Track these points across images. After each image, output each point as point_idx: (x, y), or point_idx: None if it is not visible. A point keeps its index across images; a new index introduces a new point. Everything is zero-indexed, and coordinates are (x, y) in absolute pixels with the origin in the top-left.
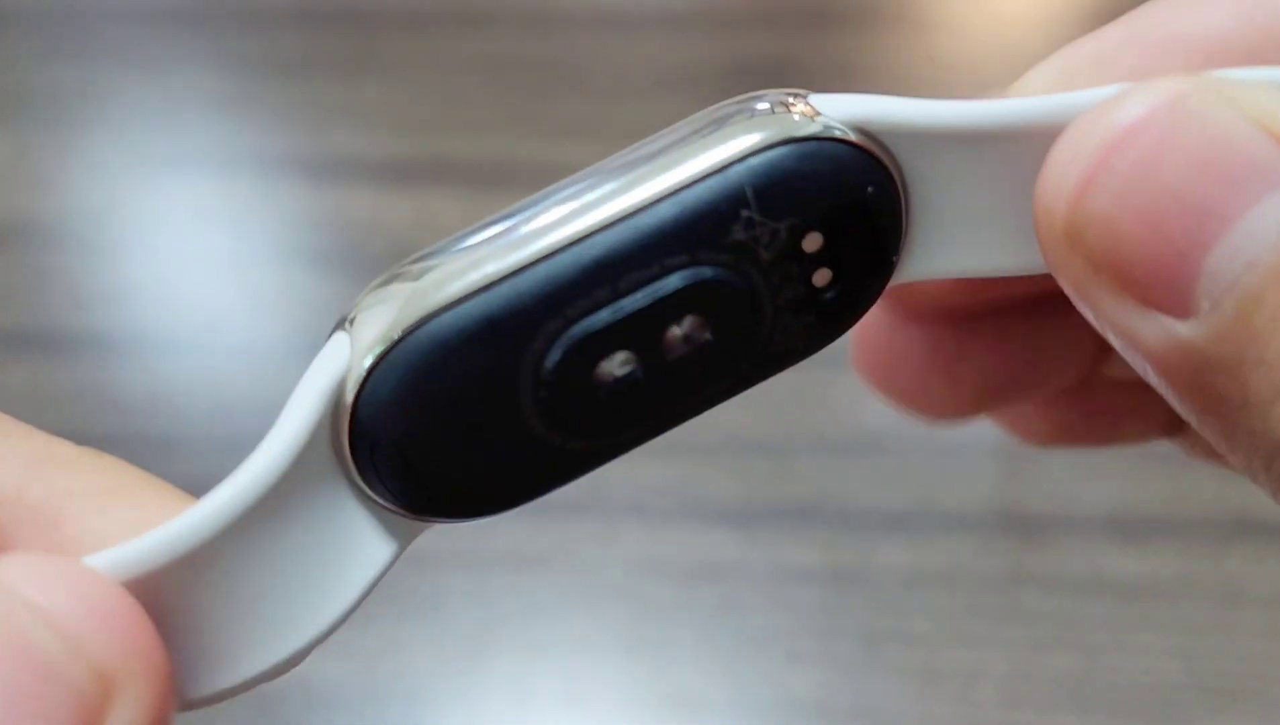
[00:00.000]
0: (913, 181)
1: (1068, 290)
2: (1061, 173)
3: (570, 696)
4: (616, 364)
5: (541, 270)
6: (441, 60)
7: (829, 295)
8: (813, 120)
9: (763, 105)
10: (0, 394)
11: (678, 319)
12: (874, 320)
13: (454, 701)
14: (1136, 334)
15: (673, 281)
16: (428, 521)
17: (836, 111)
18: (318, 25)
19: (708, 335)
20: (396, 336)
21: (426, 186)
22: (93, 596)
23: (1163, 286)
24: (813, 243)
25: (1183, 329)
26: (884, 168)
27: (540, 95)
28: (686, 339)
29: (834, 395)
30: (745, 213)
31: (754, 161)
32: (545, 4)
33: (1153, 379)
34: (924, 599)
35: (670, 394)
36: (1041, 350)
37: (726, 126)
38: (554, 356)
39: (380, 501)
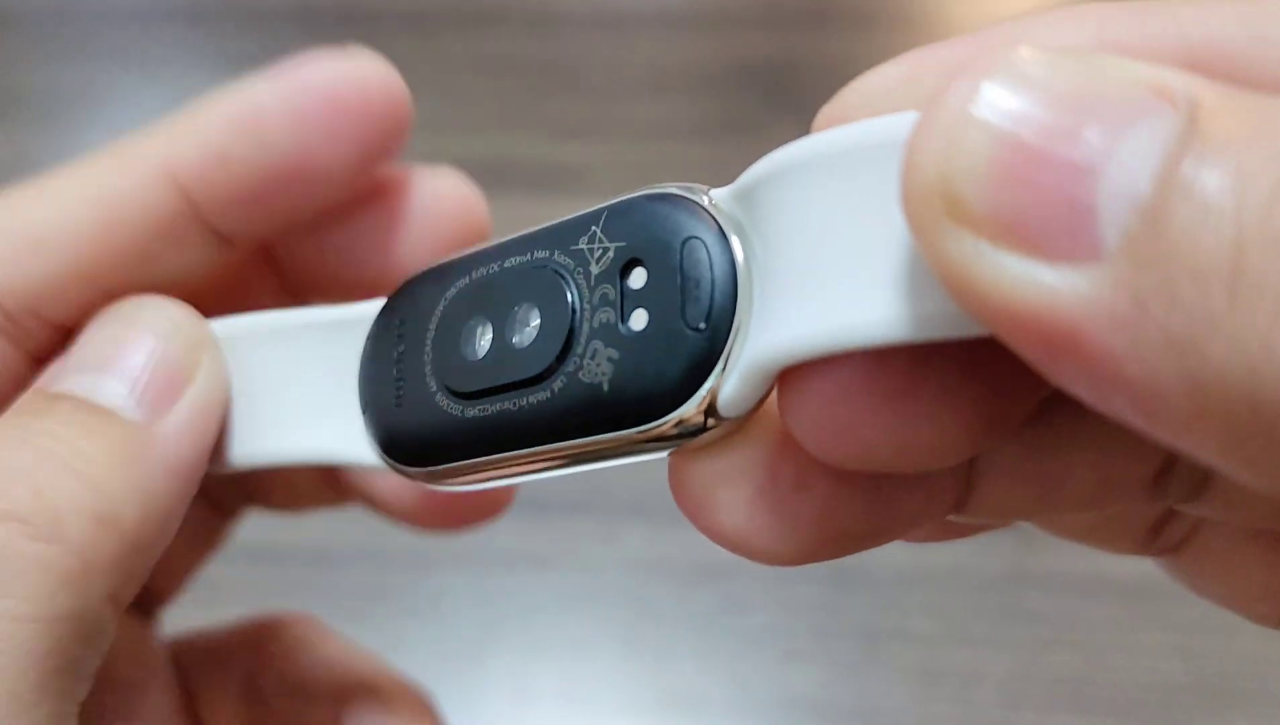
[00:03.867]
0: (764, 252)
1: (962, 287)
2: (929, 143)
3: (570, 696)
4: (479, 335)
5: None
6: (441, 60)
7: (639, 338)
8: (689, 189)
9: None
10: None
11: (522, 301)
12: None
13: (454, 701)
14: (1045, 300)
15: (525, 263)
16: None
17: (726, 190)
18: (318, 25)
19: (536, 321)
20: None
21: None
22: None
23: (1059, 229)
24: (637, 279)
25: (1094, 272)
26: (715, 222)
27: (540, 95)
28: (524, 321)
29: None
30: (594, 228)
31: (622, 199)
32: (545, 4)
33: (1077, 370)
34: (924, 599)
35: (519, 383)
36: (905, 490)
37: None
38: (438, 314)
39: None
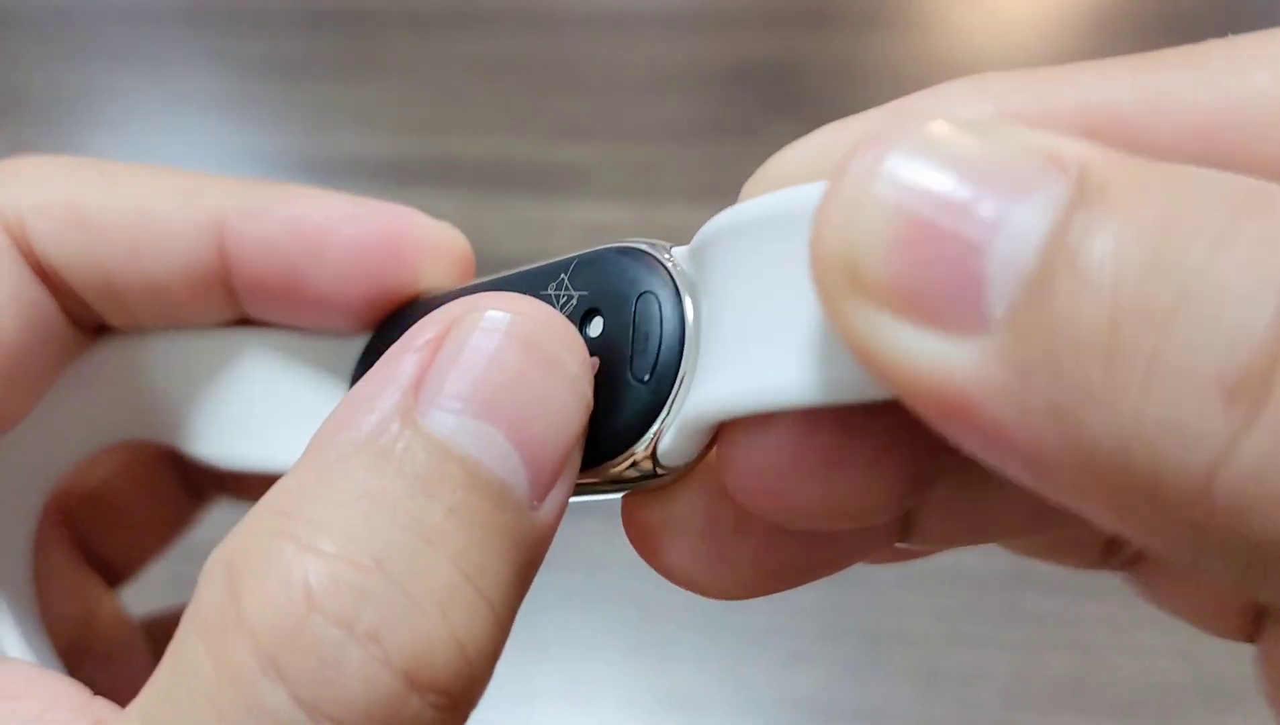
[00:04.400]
0: (709, 311)
1: (865, 356)
2: (830, 217)
3: (572, 696)
4: None
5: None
6: (441, 60)
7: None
8: (651, 246)
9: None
10: None
11: None
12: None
13: None
14: (940, 372)
15: None
16: None
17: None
18: (318, 25)
19: None
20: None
21: (426, 186)
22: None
23: (950, 301)
24: (595, 328)
25: (982, 343)
26: (671, 280)
27: (540, 95)
28: None
29: None
30: (563, 276)
31: (592, 250)
32: (545, 4)
33: (972, 437)
34: (925, 600)
35: None
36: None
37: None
38: None
39: None
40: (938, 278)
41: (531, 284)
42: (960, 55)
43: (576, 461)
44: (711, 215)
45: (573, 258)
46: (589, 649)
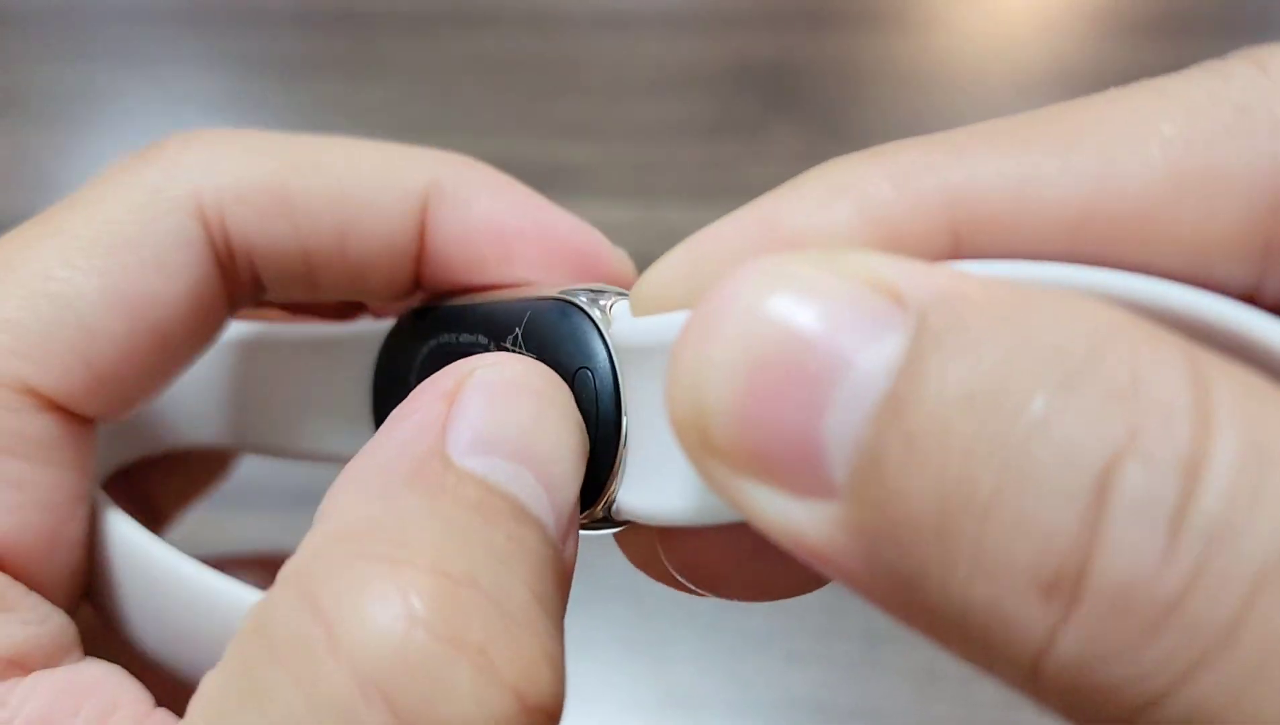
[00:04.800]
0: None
1: (733, 508)
2: (678, 381)
3: (572, 695)
4: None
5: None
6: (441, 60)
7: None
8: (595, 298)
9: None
10: None
11: None
12: None
13: None
14: (794, 531)
15: (472, 344)
16: None
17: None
18: (318, 25)
19: None
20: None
21: None
22: None
23: (795, 466)
24: None
25: (832, 509)
26: (606, 353)
27: (540, 95)
28: None
29: None
30: (517, 330)
31: (543, 302)
32: (545, 4)
33: (837, 579)
34: None
35: None
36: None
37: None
38: (422, 354)
39: None
40: (780, 445)
41: (497, 329)
42: (960, 55)
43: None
44: (711, 215)
45: (526, 308)
46: (587, 648)
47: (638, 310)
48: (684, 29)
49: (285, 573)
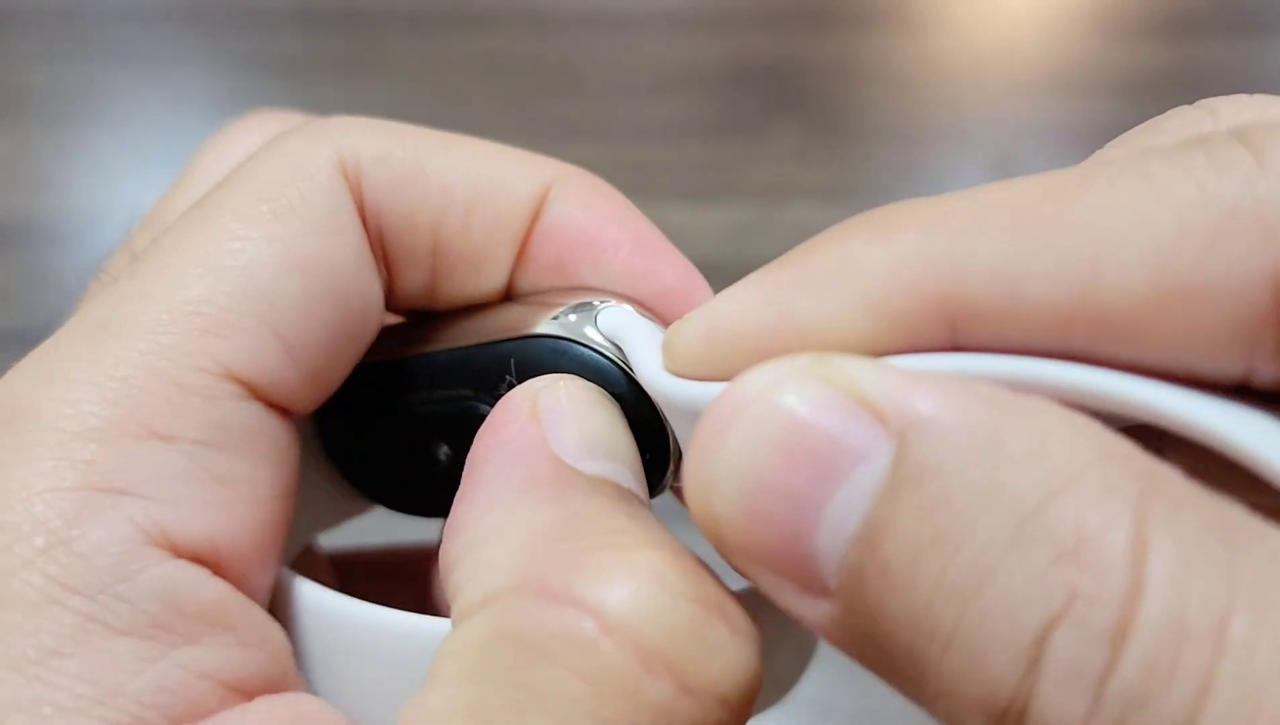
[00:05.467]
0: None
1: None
2: (691, 480)
3: None
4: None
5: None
6: (441, 60)
7: None
8: (574, 322)
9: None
10: None
11: (449, 437)
12: None
13: None
14: (807, 616)
15: (461, 405)
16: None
17: (608, 323)
18: (318, 25)
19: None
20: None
21: None
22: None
23: (795, 571)
24: None
25: (828, 607)
26: (627, 377)
27: (540, 95)
28: (448, 456)
29: None
30: (509, 377)
31: (528, 343)
32: (545, 4)
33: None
34: None
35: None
36: None
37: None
38: (395, 423)
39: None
40: (778, 555)
41: (481, 381)
42: (960, 55)
43: None
44: (711, 215)
45: (510, 352)
46: None
47: (669, 360)
48: (684, 29)
49: (480, 597)
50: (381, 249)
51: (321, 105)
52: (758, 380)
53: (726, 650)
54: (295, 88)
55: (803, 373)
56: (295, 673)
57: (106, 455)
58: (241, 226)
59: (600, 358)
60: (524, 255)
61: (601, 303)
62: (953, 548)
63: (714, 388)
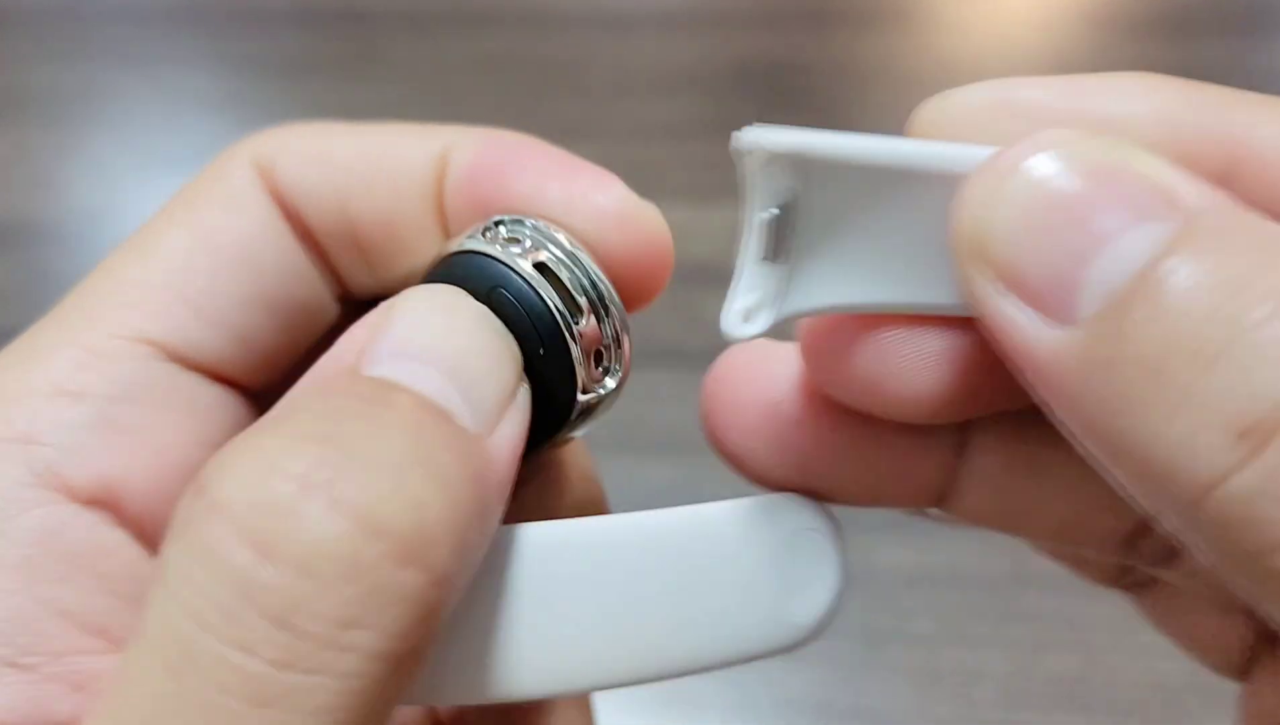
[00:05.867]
0: (803, 213)
1: (974, 308)
2: (974, 196)
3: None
4: None
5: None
6: (441, 60)
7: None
8: (483, 240)
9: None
10: None
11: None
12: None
13: None
14: (1031, 343)
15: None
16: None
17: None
18: (318, 25)
19: None
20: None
21: None
22: None
23: (1052, 292)
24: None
25: (1068, 333)
26: (510, 269)
27: (540, 95)
28: None
29: None
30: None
31: (437, 268)
32: (545, 4)
33: (1043, 393)
34: (924, 599)
35: None
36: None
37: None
38: None
39: None
40: (1045, 273)
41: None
42: (960, 55)
43: (521, 403)
44: (712, 215)
45: (427, 279)
46: None
47: (919, 126)
48: (684, 29)
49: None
50: (307, 234)
51: (321, 105)
52: (1077, 134)
53: (312, 525)
54: (295, 88)
55: (1114, 145)
56: None
57: (17, 411)
58: (163, 218)
59: (491, 263)
60: (446, 217)
61: (515, 220)
62: (1236, 292)
63: (980, 150)
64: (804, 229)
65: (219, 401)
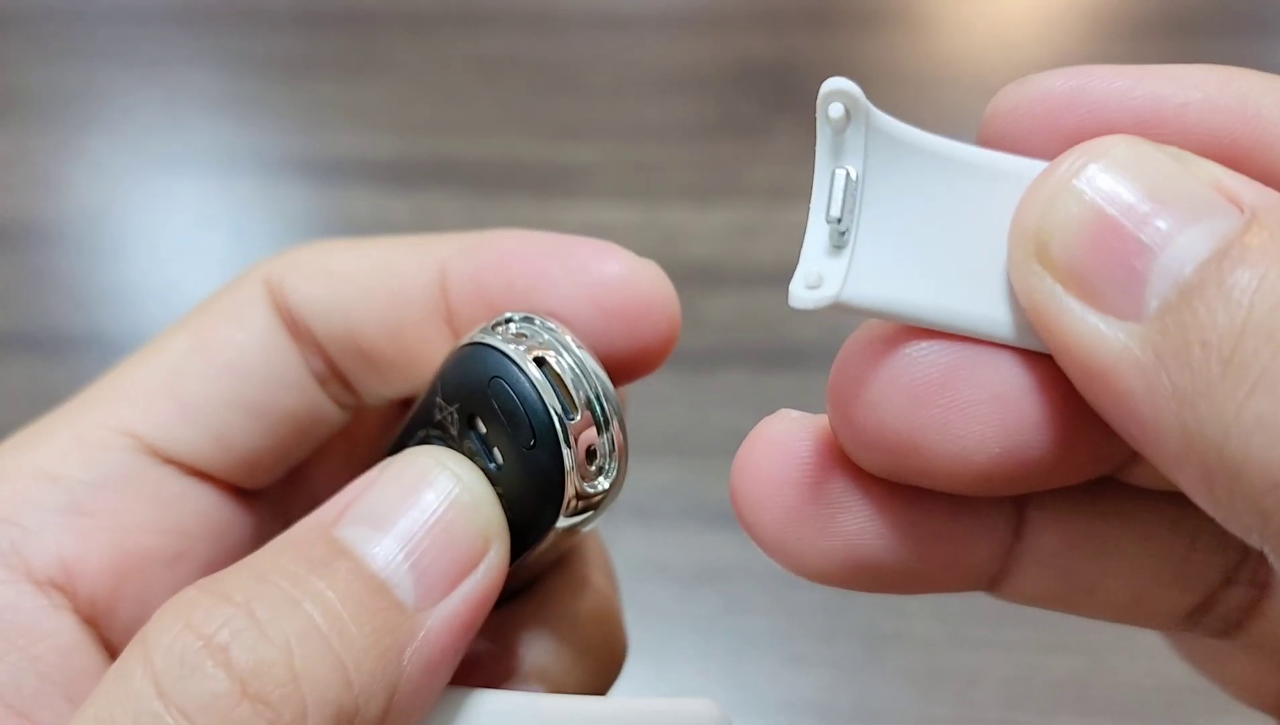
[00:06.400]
0: (866, 202)
1: (1034, 314)
2: (1036, 198)
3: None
4: None
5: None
6: (441, 60)
7: (506, 470)
8: (492, 331)
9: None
10: (0, 394)
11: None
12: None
13: None
14: (1095, 344)
15: (421, 441)
16: None
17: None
18: (318, 25)
19: None
20: None
21: (427, 186)
22: None
23: (1116, 290)
24: (481, 426)
25: (1133, 329)
26: (507, 357)
27: (540, 95)
28: None
29: None
30: (437, 399)
31: (444, 360)
32: (545, 4)
33: (1107, 400)
34: (925, 601)
35: None
36: (942, 543)
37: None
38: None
39: None
40: (1109, 269)
41: (427, 419)
42: (960, 55)
43: (486, 568)
44: (712, 215)
45: (437, 376)
46: None
47: (998, 113)
48: (684, 29)
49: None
50: (317, 347)
51: (321, 105)
52: (1129, 137)
53: (203, 679)
54: (295, 88)
55: (1179, 155)
56: None
57: (3, 490)
58: (177, 326)
59: (493, 354)
60: (454, 321)
61: (525, 318)
62: None
63: (1041, 163)
64: (868, 205)
65: (189, 494)
